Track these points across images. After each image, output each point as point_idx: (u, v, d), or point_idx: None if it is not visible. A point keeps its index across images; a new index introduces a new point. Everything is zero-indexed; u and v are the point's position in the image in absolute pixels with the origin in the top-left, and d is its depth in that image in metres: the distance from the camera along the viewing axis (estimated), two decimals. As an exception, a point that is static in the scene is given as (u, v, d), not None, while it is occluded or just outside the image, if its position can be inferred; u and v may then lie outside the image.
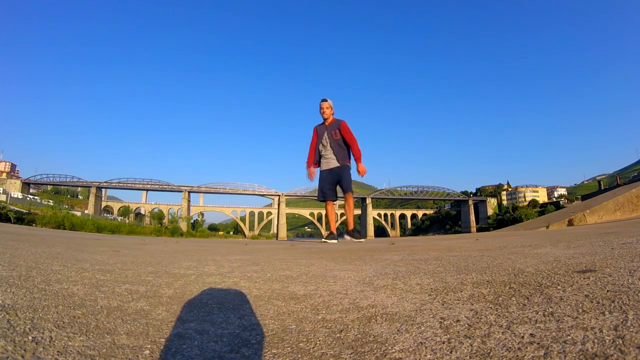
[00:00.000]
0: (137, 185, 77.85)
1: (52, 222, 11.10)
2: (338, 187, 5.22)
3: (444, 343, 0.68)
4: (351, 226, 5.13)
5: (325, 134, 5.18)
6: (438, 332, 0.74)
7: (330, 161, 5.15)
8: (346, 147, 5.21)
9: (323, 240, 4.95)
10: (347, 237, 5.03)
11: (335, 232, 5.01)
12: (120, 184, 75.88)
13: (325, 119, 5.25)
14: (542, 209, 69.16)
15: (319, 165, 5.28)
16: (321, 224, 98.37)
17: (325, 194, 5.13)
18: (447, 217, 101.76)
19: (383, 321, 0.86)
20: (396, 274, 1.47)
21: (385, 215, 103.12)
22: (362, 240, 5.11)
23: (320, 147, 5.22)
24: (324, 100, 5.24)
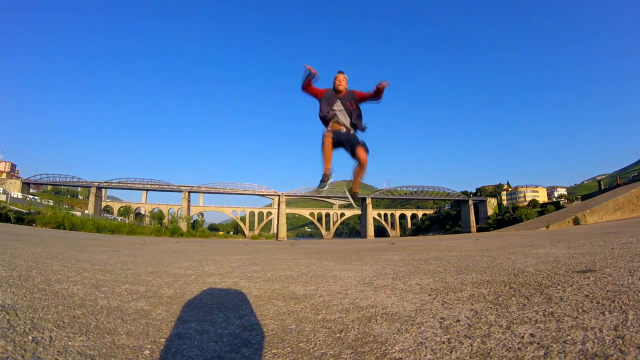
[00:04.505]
0: (137, 185, 77.79)
1: (52, 222, 11.10)
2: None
3: (444, 343, 0.68)
4: (357, 189, 4.56)
5: (339, 102, 4.67)
6: (438, 332, 0.74)
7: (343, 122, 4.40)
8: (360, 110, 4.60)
9: (318, 189, 4.30)
10: (347, 194, 4.48)
11: (328, 172, 4.27)
12: (120, 184, 75.81)
13: (339, 91, 4.86)
14: (542, 209, 69.02)
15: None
16: (321, 224, 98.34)
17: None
18: (447, 217, 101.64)
19: (383, 321, 0.86)
20: (396, 274, 1.47)
21: (385, 215, 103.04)
22: (356, 205, 4.61)
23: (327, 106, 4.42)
24: (342, 72, 4.84)
